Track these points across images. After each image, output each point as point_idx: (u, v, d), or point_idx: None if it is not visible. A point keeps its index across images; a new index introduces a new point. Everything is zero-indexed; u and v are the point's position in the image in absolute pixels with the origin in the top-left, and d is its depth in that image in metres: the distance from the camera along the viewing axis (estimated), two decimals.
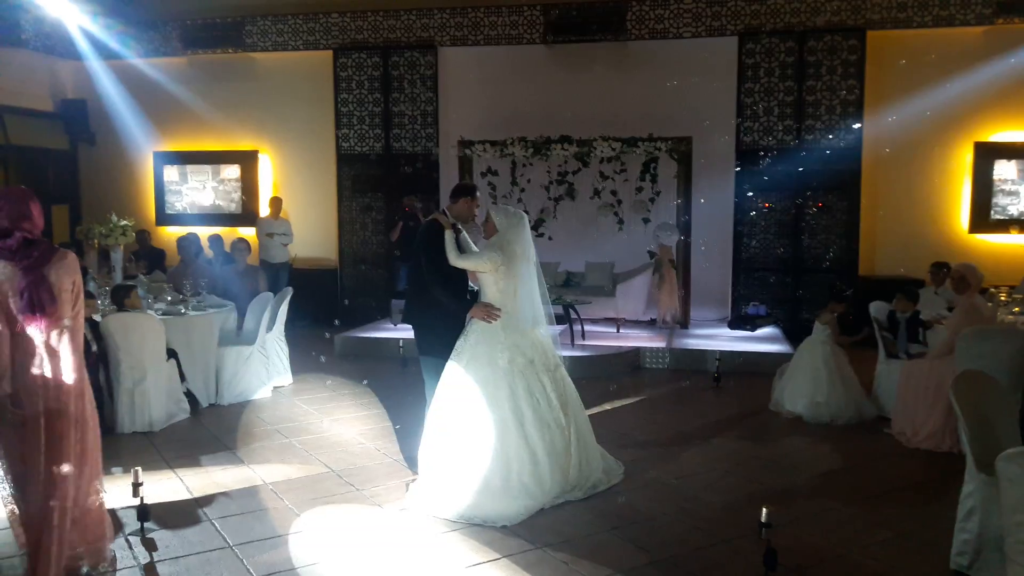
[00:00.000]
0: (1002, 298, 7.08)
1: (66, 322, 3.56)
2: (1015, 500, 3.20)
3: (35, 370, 3.49)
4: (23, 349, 3.48)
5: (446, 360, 4.79)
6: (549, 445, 4.62)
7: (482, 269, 4.78)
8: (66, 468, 3.50)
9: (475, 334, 4.75)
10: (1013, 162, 9.82)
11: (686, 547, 4.13)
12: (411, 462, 5.30)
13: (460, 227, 5.02)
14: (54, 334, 3.53)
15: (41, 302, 3.46)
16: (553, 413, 4.70)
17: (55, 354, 3.53)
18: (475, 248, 5.01)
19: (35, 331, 3.48)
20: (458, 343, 4.79)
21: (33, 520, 3.47)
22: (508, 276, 4.74)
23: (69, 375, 3.55)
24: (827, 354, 6.60)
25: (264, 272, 9.81)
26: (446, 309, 4.91)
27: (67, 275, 3.58)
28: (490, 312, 4.71)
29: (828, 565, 3.95)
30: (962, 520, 3.77)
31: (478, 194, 5.25)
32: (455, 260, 4.83)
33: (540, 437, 4.60)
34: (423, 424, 5.07)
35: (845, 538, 4.24)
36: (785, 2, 10.04)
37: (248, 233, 11.68)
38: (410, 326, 5.28)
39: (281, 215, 10.96)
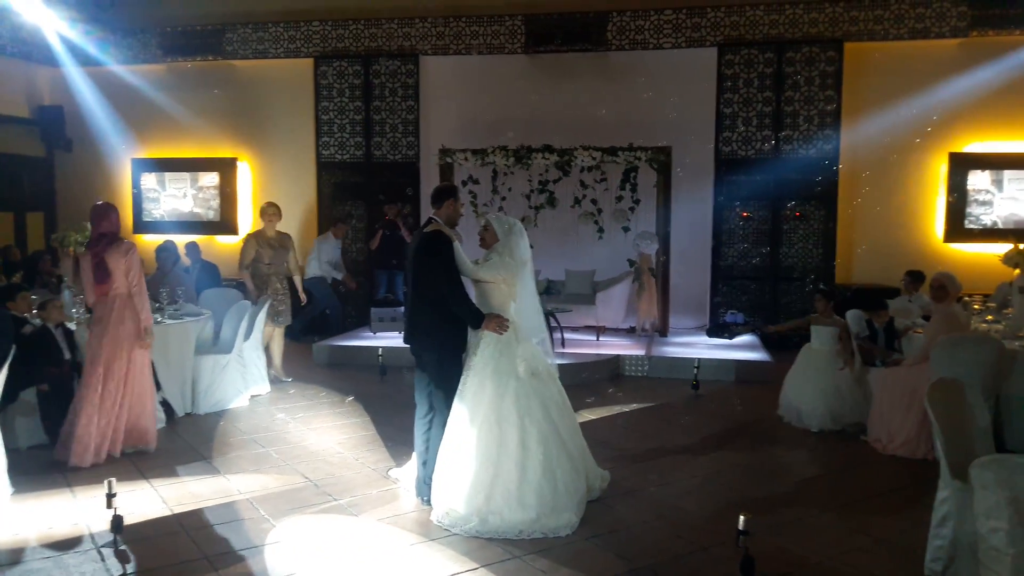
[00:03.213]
0: (976, 307, 7.16)
1: (120, 290, 5.49)
2: (988, 506, 3.22)
3: (106, 318, 5.48)
4: (99, 305, 5.52)
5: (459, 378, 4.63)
6: (578, 448, 4.71)
7: (499, 279, 4.63)
8: (118, 375, 5.55)
9: (491, 347, 4.57)
10: (987, 172, 9.96)
11: (665, 555, 4.13)
12: (383, 468, 5.28)
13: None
14: (112, 298, 5.48)
15: (101, 276, 5.45)
16: (571, 419, 4.79)
17: (113, 310, 5.48)
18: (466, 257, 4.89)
19: (103, 295, 5.50)
20: (472, 359, 4.61)
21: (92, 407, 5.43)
22: (516, 285, 4.68)
23: (122, 323, 5.49)
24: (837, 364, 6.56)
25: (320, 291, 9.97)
26: (459, 325, 4.68)
27: (119, 258, 5.46)
28: (502, 323, 4.58)
29: (805, 572, 3.97)
30: (936, 526, 3.79)
31: (459, 193, 5.06)
32: (472, 271, 4.66)
33: (574, 442, 4.68)
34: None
35: (822, 545, 4.27)
36: (764, 14, 10.15)
37: (226, 241, 11.63)
38: (419, 346, 4.81)
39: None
